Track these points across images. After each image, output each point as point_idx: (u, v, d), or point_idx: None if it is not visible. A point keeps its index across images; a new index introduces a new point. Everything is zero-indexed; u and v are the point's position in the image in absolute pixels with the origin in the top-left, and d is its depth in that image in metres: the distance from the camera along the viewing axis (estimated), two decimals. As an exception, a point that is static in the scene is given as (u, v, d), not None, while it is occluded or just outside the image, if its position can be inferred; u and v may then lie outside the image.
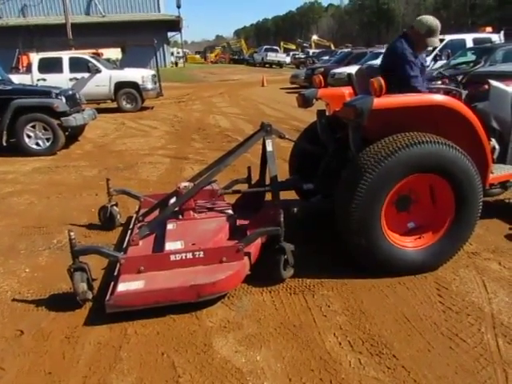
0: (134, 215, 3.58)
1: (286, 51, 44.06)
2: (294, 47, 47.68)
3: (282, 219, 2.64)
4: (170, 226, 3.02)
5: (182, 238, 2.86)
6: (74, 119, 7.00)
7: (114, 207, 3.66)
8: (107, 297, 2.39)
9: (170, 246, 2.77)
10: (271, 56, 39.16)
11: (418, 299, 2.56)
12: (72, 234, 2.46)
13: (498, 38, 12.84)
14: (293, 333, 2.30)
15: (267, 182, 3.41)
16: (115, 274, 2.61)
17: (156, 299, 2.40)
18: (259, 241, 2.77)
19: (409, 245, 2.80)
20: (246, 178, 3.76)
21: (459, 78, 3.51)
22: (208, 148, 7.05)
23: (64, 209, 4.17)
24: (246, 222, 3.16)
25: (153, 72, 13.19)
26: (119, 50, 16.24)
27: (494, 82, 3.23)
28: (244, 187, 3.68)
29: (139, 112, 11.97)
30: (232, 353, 2.16)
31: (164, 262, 2.57)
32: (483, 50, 9.92)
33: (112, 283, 2.52)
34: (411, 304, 2.51)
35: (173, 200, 3.26)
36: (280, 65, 38.30)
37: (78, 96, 7.79)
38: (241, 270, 2.57)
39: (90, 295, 2.51)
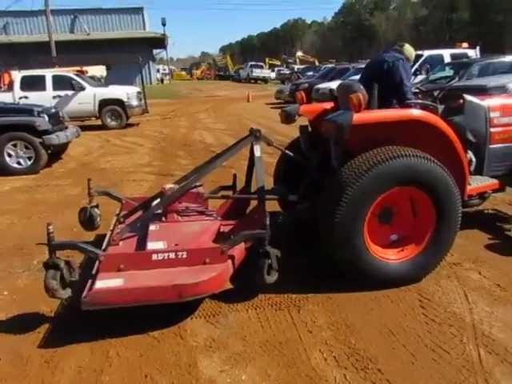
0: (115, 217, 3.51)
1: (271, 67, 44.62)
2: (278, 63, 48.34)
3: (267, 222, 2.59)
4: (152, 227, 2.98)
5: (164, 238, 2.81)
6: (57, 137, 6.93)
7: (95, 209, 3.59)
8: (84, 293, 2.30)
9: (152, 245, 2.73)
10: (256, 72, 39.67)
11: (402, 311, 2.58)
12: (50, 227, 2.38)
13: (474, 53, 13.27)
14: (278, 350, 2.29)
15: (253, 190, 3.42)
16: (93, 271, 2.51)
17: (135, 298, 2.34)
18: (243, 245, 2.75)
19: (392, 257, 2.83)
20: (231, 184, 3.77)
21: (435, 93, 3.61)
22: (193, 164, 7.00)
23: (45, 229, 4.07)
24: (231, 226, 3.15)
25: (138, 89, 13.22)
26: (104, 67, 16.29)
27: (468, 97, 3.33)
28: (229, 194, 3.68)
29: (124, 129, 11.94)
30: (217, 372, 2.13)
31: (145, 261, 2.51)
32: (460, 65, 10.23)
33: (89, 281, 2.43)
34: (395, 316, 2.53)
35: (157, 201, 3.22)
36: (265, 80, 38.78)
37: (60, 114, 7.74)
38: (224, 273, 2.53)
39: (61, 294, 2.36)
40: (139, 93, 12.79)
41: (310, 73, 24.43)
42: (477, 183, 3.25)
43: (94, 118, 12.08)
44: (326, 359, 2.20)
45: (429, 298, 2.70)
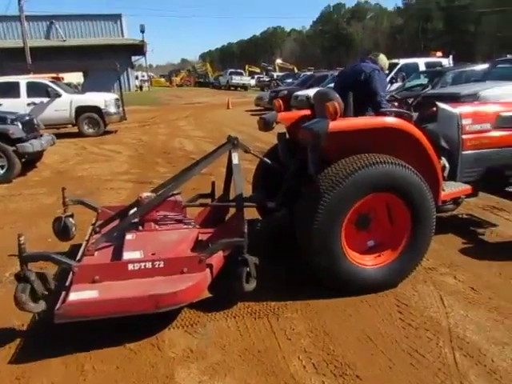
0: (91, 227, 3.44)
1: (251, 74, 44.85)
2: (258, 70, 48.62)
3: (245, 230, 2.59)
4: (129, 237, 2.93)
5: (141, 247, 2.77)
6: (31, 145, 6.78)
7: (69, 218, 3.50)
8: (57, 306, 2.24)
9: (128, 255, 2.68)
10: (236, 79, 39.81)
11: (380, 317, 2.60)
12: (22, 238, 2.31)
13: (447, 62, 13.71)
14: (257, 359, 2.27)
15: (231, 197, 3.41)
16: (67, 283, 2.45)
17: (111, 309, 2.29)
18: (221, 253, 2.73)
19: (369, 263, 2.86)
20: (209, 192, 3.74)
21: (410, 100, 3.70)
22: (172, 172, 6.92)
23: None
24: (209, 234, 3.13)
25: (116, 96, 13.07)
26: (81, 74, 16.07)
27: (441, 105, 3.42)
28: (207, 202, 3.66)
29: (102, 136, 11.77)
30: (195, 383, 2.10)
31: (121, 272, 2.45)
32: (435, 73, 10.53)
33: (63, 293, 2.37)
34: (373, 322, 2.55)
35: (133, 210, 3.17)
36: (245, 87, 38.95)
37: (35, 121, 7.58)
38: (202, 281, 2.51)
39: (31, 307, 2.28)
40: (117, 100, 12.66)
41: (289, 80, 24.68)
42: (450, 189, 3.32)
43: (70, 126, 11.87)
44: (304, 366, 2.19)
45: (406, 303, 2.74)
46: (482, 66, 10.47)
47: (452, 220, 4.21)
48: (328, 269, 2.73)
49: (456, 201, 3.65)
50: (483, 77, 8.92)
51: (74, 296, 2.29)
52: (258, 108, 17.64)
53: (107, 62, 20.37)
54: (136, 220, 3.09)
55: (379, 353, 2.27)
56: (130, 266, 2.48)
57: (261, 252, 2.76)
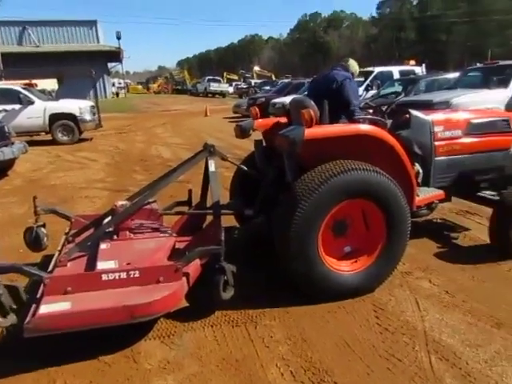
0: (64, 236, 3.34)
1: (229, 81, 44.98)
2: (236, 77, 48.82)
3: (222, 238, 2.57)
4: (103, 246, 2.86)
5: (116, 257, 2.70)
6: (2, 153, 6.60)
7: (41, 228, 3.39)
8: (27, 319, 2.15)
9: (102, 265, 2.61)
10: (214, 86, 39.77)
11: (357, 322, 2.61)
12: None
13: (420, 70, 14.13)
14: (235, 368, 2.24)
15: (208, 204, 3.38)
16: (38, 295, 2.36)
17: (83, 321, 2.22)
18: (198, 262, 2.69)
19: (345, 269, 2.88)
20: (186, 200, 3.70)
21: (384, 108, 3.77)
22: (149, 179, 6.79)
23: (-13, 251, 3.82)
24: (186, 243, 3.08)
25: (91, 103, 12.84)
26: (55, 80, 15.74)
27: (413, 112, 3.49)
28: (184, 209, 3.61)
29: (77, 144, 11.52)
30: (171, 396, 2.06)
31: (95, 282, 2.39)
32: (408, 81, 10.82)
33: (33, 305, 2.28)
34: (351, 328, 2.56)
35: (108, 219, 3.10)
36: (223, 94, 38.96)
37: (6, 129, 7.35)
38: (179, 291, 2.46)
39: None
40: (92, 107, 12.43)
41: (267, 87, 24.84)
42: (424, 194, 3.38)
43: (43, 133, 11.58)
44: (282, 374, 2.18)
45: (382, 308, 2.76)
46: (453, 74, 10.82)
47: (427, 225, 4.30)
48: (305, 275, 2.73)
49: (430, 206, 3.72)
50: (454, 84, 9.21)
51: (44, 309, 2.21)
52: (236, 115, 17.65)
53: (82, 68, 20.00)
54: (111, 229, 3.02)
55: (357, 359, 2.28)
56: (104, 276, 2.41)
57: (239, 259, 2.74)
